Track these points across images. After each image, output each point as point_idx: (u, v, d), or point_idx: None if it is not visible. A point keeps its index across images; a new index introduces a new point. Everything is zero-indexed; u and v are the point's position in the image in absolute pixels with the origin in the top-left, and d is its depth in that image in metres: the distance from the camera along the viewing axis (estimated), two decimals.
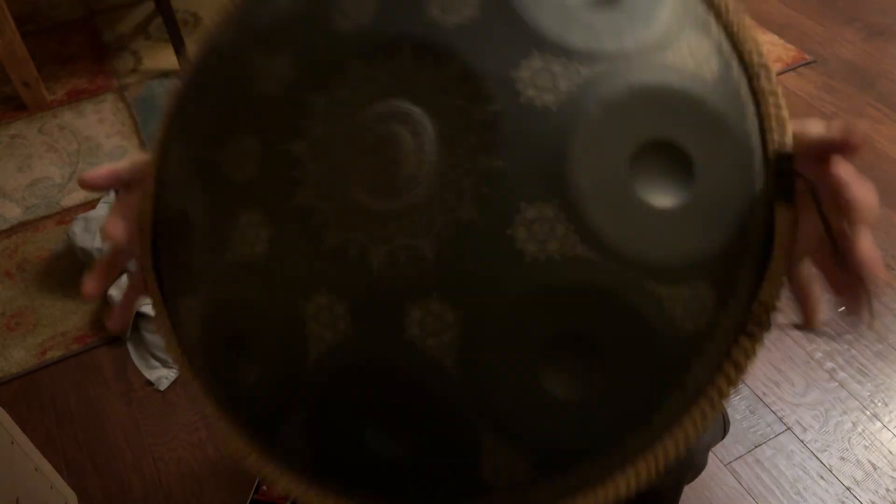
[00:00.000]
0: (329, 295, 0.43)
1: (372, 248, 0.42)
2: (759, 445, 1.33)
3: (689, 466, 0.92)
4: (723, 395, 0.45)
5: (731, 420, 1.29)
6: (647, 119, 0.42)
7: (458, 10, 0.44)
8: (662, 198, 0.42)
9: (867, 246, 0.41)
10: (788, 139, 0.44)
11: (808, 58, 2.12)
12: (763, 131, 0.45)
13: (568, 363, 0.42)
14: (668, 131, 0.42)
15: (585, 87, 0.42)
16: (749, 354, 0.45)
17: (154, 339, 1.50)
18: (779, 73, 2.07)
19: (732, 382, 0.45)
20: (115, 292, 1.54)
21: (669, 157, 0.43)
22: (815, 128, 0.43)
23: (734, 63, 0.46)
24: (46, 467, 1.19)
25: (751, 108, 0.45)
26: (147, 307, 1.51)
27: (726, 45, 0.46)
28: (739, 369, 0.45)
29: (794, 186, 0.44)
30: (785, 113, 0.45)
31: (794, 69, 2.09)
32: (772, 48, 2.15)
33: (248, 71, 0.48)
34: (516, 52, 0.43)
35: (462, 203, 0.41)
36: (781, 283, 0.46)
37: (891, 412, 1.37)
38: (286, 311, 0.44)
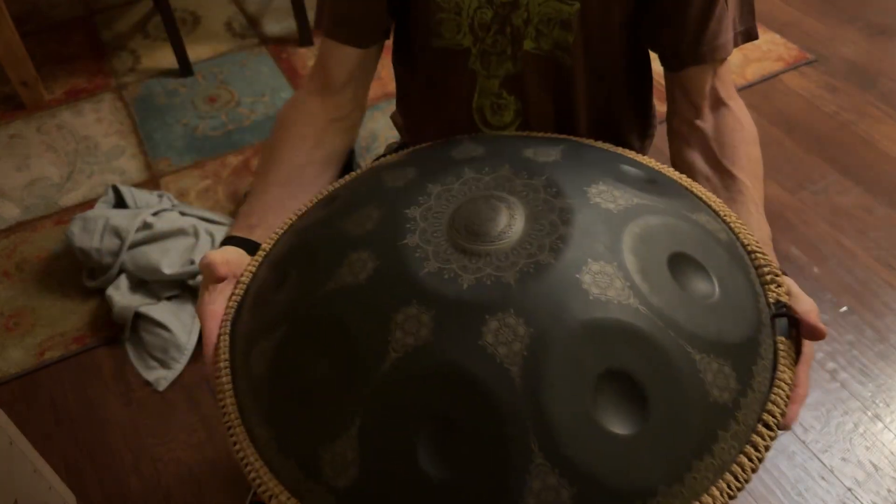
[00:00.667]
0: (419, 306, 0.52)
1: (463, 275, 0.53)
2: None
3: None
4: (744, 476, 0.50)
5: None
6: (677, 242, 0.58)
7: (548, 155, 0.65)
8: (698, 286, 0.56)
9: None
10: (776, 289, 0.60)
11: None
12: (763, 284, 0.61)
13: (616, 397, 0.49)
14: (690, 251, 0.57)
15: (638, 207, 0.59)
16: (766, 444, 0.52)
17: (153, 339, 1.49)
18: (780, 73, 2.07)
19: (753, 466, 0.51)
20: (115, 292, 1.54)
21: (692, 266, 0.57)
22: (801, 305, 0.59)
23: (736, 240, 0.64)
24: (45, 468, 1.19)
25: (750, 267, 0.61)
26: (147, 308, 1.51)
27: (729, 231, 0.65)
28: (758, 455, 0.51)
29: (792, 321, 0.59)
30: (771, 275, 0.61)
31: (795, 68, 2.08)
32: (773, 47, 2.15)
33: (380, 173, 0.68)
34: (587, 179, 0.60)
35: (542, 252, 0.54)
36: (788, 391, 0.55)
37: (892, 413, 1.37)
38: (377, 316, 0.53)
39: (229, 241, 0.74)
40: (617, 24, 0.82)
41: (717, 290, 0.56)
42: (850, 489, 1.27)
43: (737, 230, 0.64)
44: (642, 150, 0.98)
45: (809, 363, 0.58)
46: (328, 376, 0.53)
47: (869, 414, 1.37)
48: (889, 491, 1.27)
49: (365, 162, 1.83)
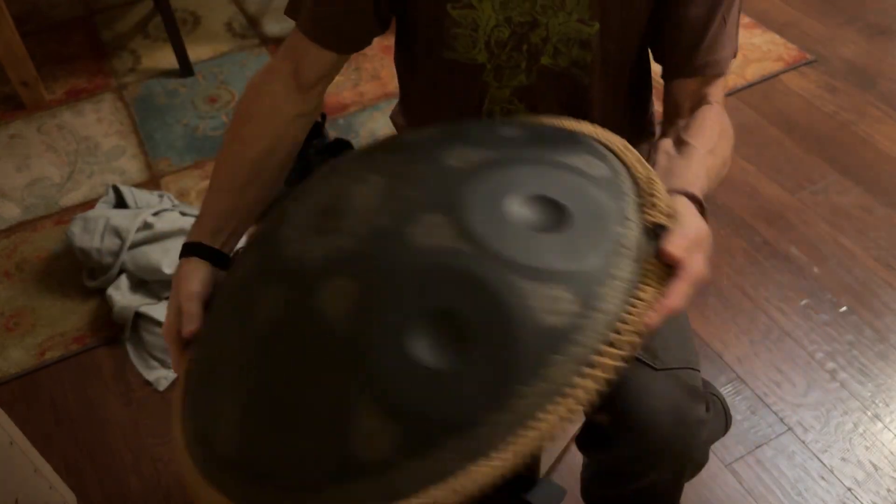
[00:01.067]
0: (278, 284, 0.61)
1: (315, 248, 0.60)
2: (759, 446, 1.33)
3: (689, 460, 0.91)
4: (587, 398, 0.52)
5: (732, 420, 1.29)
6: (534, 182, 0.62)
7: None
8: (529, 216, 0.58)
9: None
10: (662, 213, 0.62)
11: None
12: (641, 208, 0.62)
13: (439, 337, 0.53)
14: (544, 190, 0.60)
15: (489, 162, 0.63)
16: (611, 362, 0.53)
17: (153, 339, 1.49)
18: (780, 73, 2.07)
19: (597, 387, 0.53)
20: (115, 292, 1.54)
21: (546, 205, 0.59)
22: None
23: (624, 176, 0.66)
24: (45, 468, 1.19)
25: (631, 198, 0.63)
26: (147, 308, 1.51)
27: (620, 166, 0.67)
28: (602, 374, 0.53)
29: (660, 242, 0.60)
30: (658, 200, 0.63)
31: (795, 68, 2.08)
32: (773, 47, 2.15)
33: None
34: (450, 144, 0.66)
35: (381, 216, 0.59)
36: (649, 313, 0.56)
37: (892, 413, 1.37)
38: (247, 294, 0.65)
39: (193, 247, 0.76)
40: (635, 43, 0.82)
41: (565, 221, 0.58)
42: (849, 489, 1.27)
43: (629, 164, 0.66)
44: (642, 151, 0.98)
45: (690, 279, 0.58)
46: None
47: (868, 414, 1.37)
48: (889, 491, 1.27)
49: None
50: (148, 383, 1.46)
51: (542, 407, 0.52)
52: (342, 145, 1.75)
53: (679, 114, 0.83)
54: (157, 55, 2.22)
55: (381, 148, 0.73)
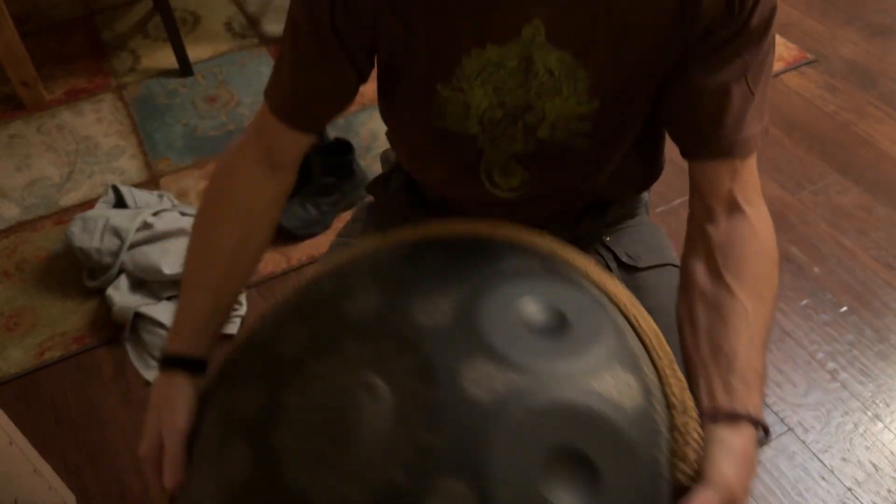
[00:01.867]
0: None
1: (317, 491, 0.54)
2: (760, 446, 1.33)
3: None
4: None
5: None
6: (564, 429, 0.53)
7: (434, 316, 0.58)
8: (569, 500, 0.51)
9: None
10: (692, 468, 0.56)
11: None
12: (672, 463, 0.56)
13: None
14: (581, 443, 0.52)
15: (516, 392, 0.53)
16: None
17: (153, 339, 1.49)
18: (780, 73, 2.07)
19: None
20: (115, 292, 1.54)
21: (579, 466, 0.52)
22: (717, 474, 0.55)
23: (657, 400, 0.58)
24: (45, 468, 1.19)
25: (665, 441, 0.56)
26: (147, 308, 1.51)
27: (655, 384, 0.59)
28: None
29: None
30: (691, 450, 0.57)
31: (795, 68, 2.08)
32: None
33: (275, 334, 0.66)
34: (467, 352, 0.56)
35: (396, 470, 0.52)
36: None
37: (892, 413, 1.37)
38: None
39: (174, 359, 0.73)
40: (638, 114, 0.75)
41: (596, 485, 0.52)
42: (850, 489, 1.27)
43: (666, 381, 0.60)
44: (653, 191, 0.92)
45: None
46: None
47: (869, 414, 1.37)
48: (889, 491, 1.27)
49: (365, 162, 1.83)
50: (148, 383, 1.46)
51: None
52: (342, 145, 1.75)
53: (710, 218, 0.72)
54: (157, 55, 2.22)
55: (387, 314, 0.62)
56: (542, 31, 0.68)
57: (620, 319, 0.64)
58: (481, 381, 0.54)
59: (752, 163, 0.73)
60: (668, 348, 0.63)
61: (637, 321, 0.64)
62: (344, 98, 0.79)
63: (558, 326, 0.59)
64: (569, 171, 0.80)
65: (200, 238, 0.79)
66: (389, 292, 0.63)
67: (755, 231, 0.71)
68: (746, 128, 0.71)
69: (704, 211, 0.73)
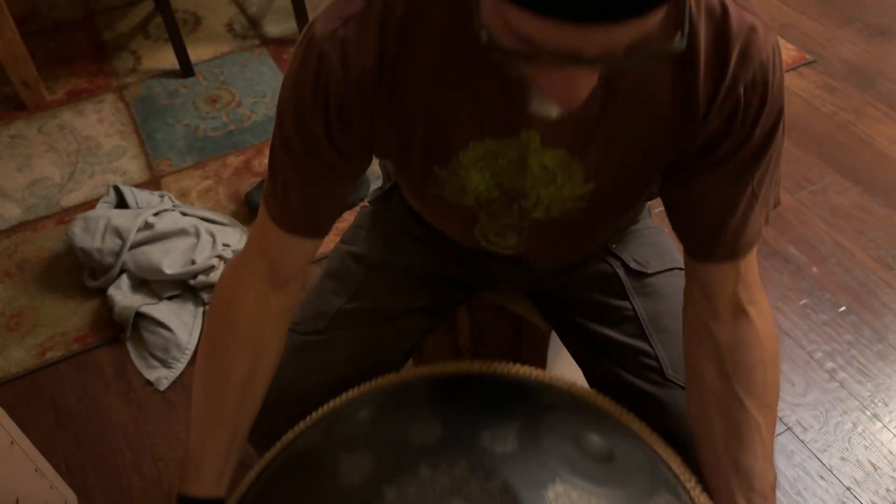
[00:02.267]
0: None
1: None
2: None
3: None
4: None
5: None
6: None
7: (505, 442, 0.65)
8: None
9: None
10: None
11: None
12: None
13: None
14: None
15: None
16: None
17: (154, 339, 1.50)
18: None
19: None
20: (116, 292, 1.54)
21: None
22: None
23: None
24: (46, 468, 1.19)
25: None
26: (148, 307, 1.51)
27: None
28: None
29: None
30: None
31: (794, 69, 2.09)
32: None
33: (334, 466, 0.66)
34: (545, 477, 0.62)
35: None
36: None
37: (891, 412, 1.37)
38: None
39: (193, 501, 0.73)
40: (636, 193, 0.75)
41: None
42: (848, 488, 1.28)
43: (696, 500, 0.68)
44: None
45: None
46: None
47: (867, 413, 1.37)
48: (888, 490, 1.27)
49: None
50: (149, 383, 1.46)
51: None
52: None
53: (715, 317, 0.73)
54: (158, 55, 2.23)
55: (453, 446, 0.67)
56: (538, 140, 0.67)
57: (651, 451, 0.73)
58: (564, 499, 0.61)
59: (754, 254, 0.73)
60: (689, 473, 0.72)
61: (665, 457, 0.73)
62: (349, 195, 0.77)
63: (608, 458, 0.68)
64: (564, 238, 0.80)
65: (210, 367, 0.76)
66: (451, 422, 0.69)
67: (759, 336, 0.73)
68: (750, 229, 0.71)
69: (708, 309, 0.73)
